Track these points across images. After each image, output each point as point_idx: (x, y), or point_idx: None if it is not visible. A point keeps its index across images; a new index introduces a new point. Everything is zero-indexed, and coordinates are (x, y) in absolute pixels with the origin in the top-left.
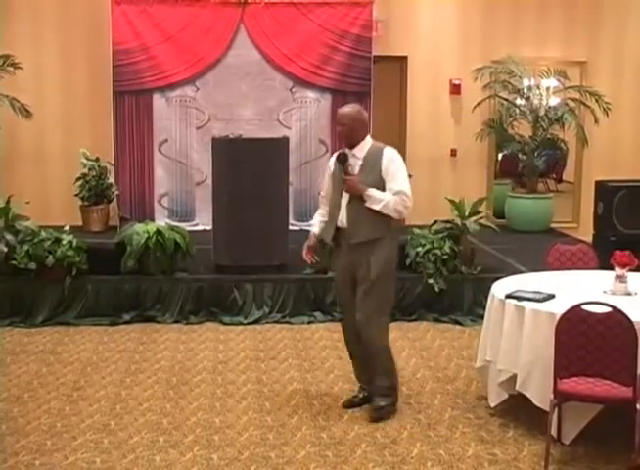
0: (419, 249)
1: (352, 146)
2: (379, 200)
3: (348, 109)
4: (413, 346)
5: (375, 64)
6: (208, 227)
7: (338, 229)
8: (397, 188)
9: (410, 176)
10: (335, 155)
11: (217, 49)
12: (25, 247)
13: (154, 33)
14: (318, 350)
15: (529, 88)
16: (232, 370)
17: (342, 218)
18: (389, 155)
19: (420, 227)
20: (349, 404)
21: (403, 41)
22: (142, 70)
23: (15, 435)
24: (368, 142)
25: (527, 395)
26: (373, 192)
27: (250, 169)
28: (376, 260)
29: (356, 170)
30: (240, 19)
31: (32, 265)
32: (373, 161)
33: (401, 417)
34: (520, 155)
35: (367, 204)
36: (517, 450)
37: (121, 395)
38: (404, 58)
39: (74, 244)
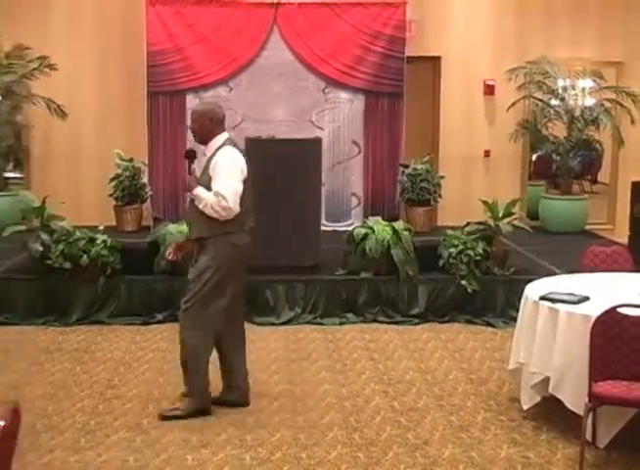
0: (452, 250)
1: (204, 143)
2: (201, 199)
3: (200, 106)
4: (445, 347)
5: (408, 64)
6: None
7: None
8: (215, 189)
9: (442, 178)
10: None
11: (250, 50)
12: (60, 246)
13: (187, 34)
14: (350, 351)
15: (564, 89)
16: (263, 370)
17: (185, 214)
18: (221, 155)
19: (453, 228)
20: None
21: (437, 41)
22: (176, 70)
23: (50, 432)
24: (219, 141)
25: (561, 398)
26: (199, 191)
27: (282, 170)
28: (200, 259)
29: (201, 169)
30: (273, 19)
31: (67, 265)
32: (211, 160)
33: (433, 419)
34: (554, 156)
35: (195, 202)
36: (550, 454)
37: (154, 394)
38: (438, 58)
39: (108, 244)
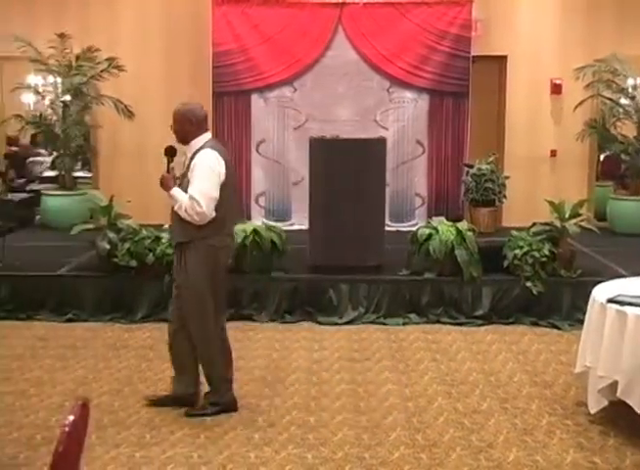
0: (517, 251)
1: (185, 144)
2: (177, 200)
3: (181, 107)
4: (510, 349)
5: (473, 63)
6: (304, 227)
7: None
8: (190, 192)
9: (507, 178)
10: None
11: (315, 50)
12: (127, 245)
13: (253, 35)
14: (413, 351)
15: (635, 87)
16: (327, 370)
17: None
18: (199, 158)
19: (518, 229)
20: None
21: (503, 40)
22: (241, 71)
23: (116, 427)
24: (200, 142)
25: (629, 402)
26: (175, 192)
27: (346, 170)
28: (185, 265)
29: (182, 170)
30: (338, 19)
31: (133, 263)
32: (191, 161)
33: (497, 422)
34: (623, 156)
35: (172, 203)
36: (618, 460)
37: None
38: (504, 57)
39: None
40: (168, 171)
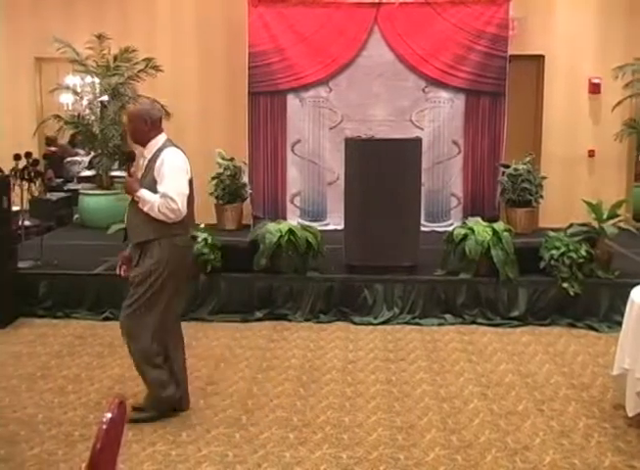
0: (553, 252)
1: (142, 145)
2: (146, 202)
3: (135, 107)
4: (546, 351)
5: (510, 63)
6: (340, 227)
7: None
8: (162, 191)
9: (544, 178)
10: None
11: (351, 50)
12: None
13: (288, 35)
14: (448, 352)
15: None
16: (361, 370)
17: (125, 218)
18: (165, 157)
19: (555, 230)
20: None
21: (540, 39)
22: (277, 71)
23: (152, 425)
24: (158, 142)
25: None
26: (143, 193)
27: (382, 170)
28: (144, 263)
29: (142, 170)
30: (374, 19)
31: None
32: (153, 161)
33: (534, 423)
34: None
35: (140, 205)
36: None
37: (253, 390)
38: (541, 56)
39: (209, 242)
40: (130, 175)
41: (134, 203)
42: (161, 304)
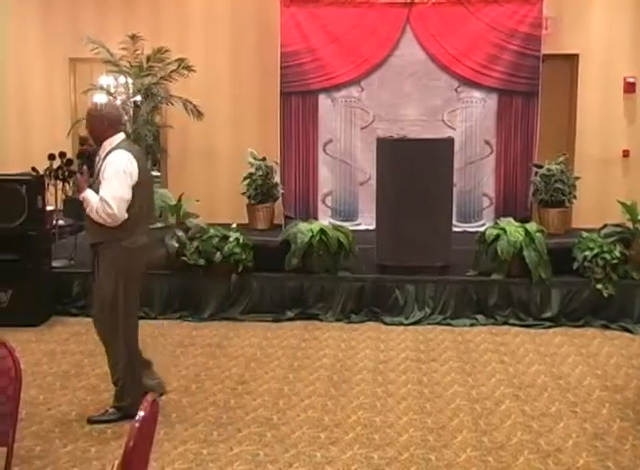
0: (587, 253)
1: (99, 144)
2: (89, 203)
3: (94, 107)
4: (579, 352)
5: (543, 62)
6: (371, 227)
7: None
8: (101, 194)
9: (577, 178)
10: None
11: (383, 49)
12: (195, 243)
13: (320, 35)
14: (480, 352)
15: None
16: (393, 370)
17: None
18: (110, 159)
19: (588, 230)
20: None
21: (574, 38)
22: (308, 71)
23: (184, 423)
24: (113, 142)
25: None
26: (87, 194)
27: (413, 170)
28: (101, 268)
29: (96, 172)
30: (406, 19)
31: (201, 261)
32: (103, 161)
33: (567, 425)
34: None
35: (84, 205)
36: None
37: (284, 390)
38: (575, 56)
39: (241, 241)
40: (82, 174)
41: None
42: (122, 305)
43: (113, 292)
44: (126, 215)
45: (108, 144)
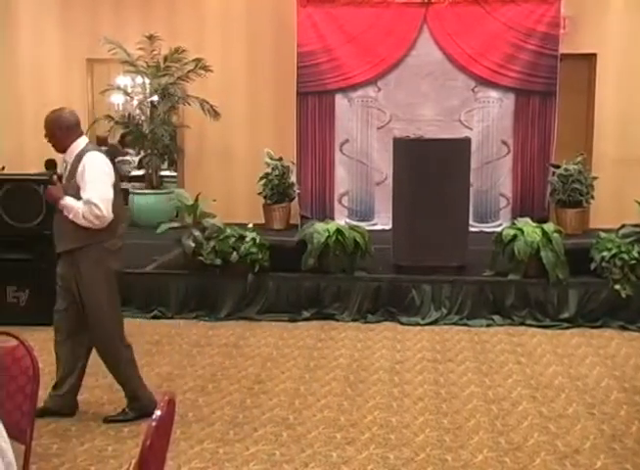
0: (605, 253)
1: (62, 151)
2: (71, 209)
3: (49, 115)
4: (597, 353)
5: (561, 62)
6: (388, 227)
7: None
8: (86, 197)
9: (595, 178)
10: None
11: (399, 49)
12: (212, 243)
13: (337, 35)
14: (496, 353)
15: None
16: (409, 370)
17: (53, 227)
18: (86, 161)
19: (605, 231)
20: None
21: (592, 38)
22: (325, 71)
23: (200, 423)
24: (78, 146)
25: None
26: (67, 201)
27: (430, 170)
28: (84, 272)
29: (65, 177)
30: (423, 19)
31: (218, 261)
32: (76, 166)
33: (584, 427)
34: None
35: (65, 213)
36: None
37: (300, 390)
38: (593, 55)
39: (257, 241)
40: (53, 183)
41: (59, 211)
42: (109, 311)
43: (99, 297)
44: (112, 216)
45: (73, 149)
